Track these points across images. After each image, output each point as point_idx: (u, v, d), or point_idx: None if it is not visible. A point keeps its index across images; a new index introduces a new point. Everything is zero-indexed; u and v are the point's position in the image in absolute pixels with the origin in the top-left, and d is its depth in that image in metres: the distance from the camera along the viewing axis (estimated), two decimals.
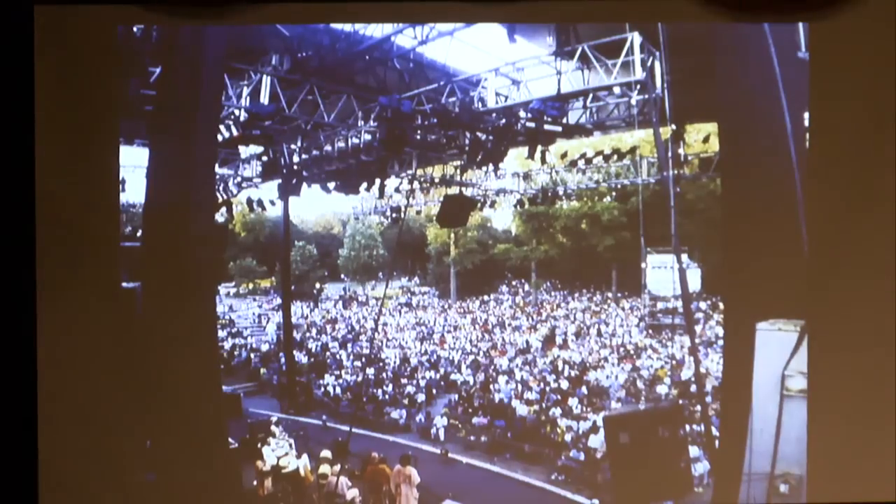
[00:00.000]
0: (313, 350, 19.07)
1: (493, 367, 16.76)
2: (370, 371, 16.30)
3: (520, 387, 14.30)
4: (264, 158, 14.09)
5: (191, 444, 6.60)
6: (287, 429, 10.70)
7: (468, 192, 17.85)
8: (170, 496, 6.45)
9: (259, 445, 9.22)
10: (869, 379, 5.02)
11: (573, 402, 12.84)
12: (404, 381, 15.56)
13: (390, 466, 8.29)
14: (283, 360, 16.36)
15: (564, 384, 14.28)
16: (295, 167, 14.14)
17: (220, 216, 15.33)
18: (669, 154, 11.40)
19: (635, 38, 8.84)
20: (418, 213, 22.57)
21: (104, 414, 5.43)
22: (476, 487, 9.99)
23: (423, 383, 15.27)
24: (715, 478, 7.62)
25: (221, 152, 14.21)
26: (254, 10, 5.41)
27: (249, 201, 15.48)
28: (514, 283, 30.04)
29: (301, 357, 17.64)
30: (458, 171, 17.30)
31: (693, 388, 12.56)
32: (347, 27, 10.36)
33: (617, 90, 9.69)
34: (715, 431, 8.34)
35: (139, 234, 8.22)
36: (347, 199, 20.50)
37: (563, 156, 16.23)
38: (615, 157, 15.58)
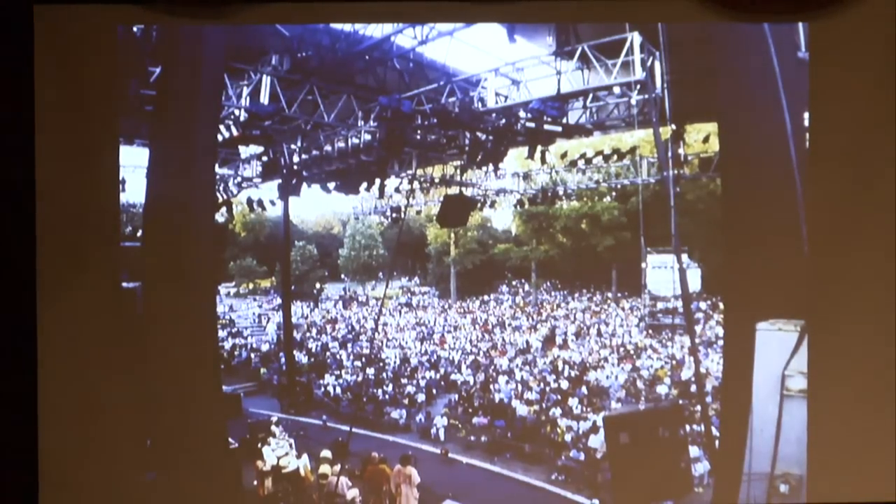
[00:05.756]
0: (313, 350, 19.06)
1: (493, 367, 16.75)
2: (370, 371, 16.29)
3: (520, 387, 14.30)
4: (264, 158, 14.07)
5: (191, 444, 6.60)
6: (287, 429, 10.69)
7: (468, 192, 17.86)
8: (170, 496, 6.45)
9: (259, 445, 9.21)
10: (869, 379, 5.02)
11: (573, 402, 12.83)
12: (404, 381, 15.55)
13: (390, 466, 8.28)
14: (283, 360, 16.36)
15: (564, 384, 14.27)
16: (295, 167, 14.14)
17: (220, 216, 15.34)
18: (669, 154, 11.41)
19: (635, 38, 8.84)
20: (418, 213, 22.59)
21: (104, 414, 5.43)
22: (476, 487, 9.98)
23: (423, 383, 15.26)
24: (715, 478, 7.60)
25: (221, 152, 14.20)
26: (254, 10, 5.41)
27: (249, 201, 15.47)
28: (514, 283, 30.03)
29: (301, 357, 17.63)
30: (458, 171, 17.30)
31: (693, 388, 12.55)
32: (347, 27, 10.36)
33: (617, 90, 9.70)
34: (715, 431, 8.34)
35: (139, 234, 8.21)
36: (347, 199, 20.47)
37: (563, 156, 16.23)
38: (615, 157, 15.58)
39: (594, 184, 20.20)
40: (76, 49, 5.21)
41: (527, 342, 19.57)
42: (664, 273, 20.52)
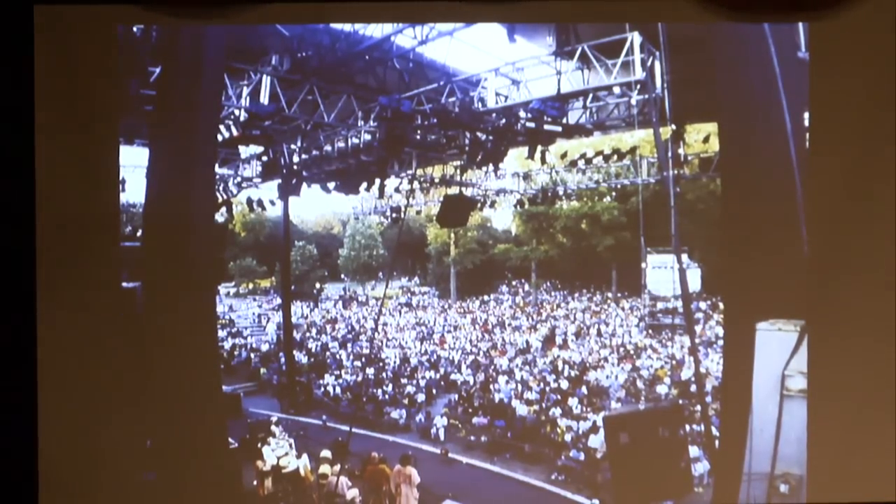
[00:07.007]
0: (313, 350, 19.08)
1: (493, 367, 16.76)
2: (370, 371, 16.30)
3: (520, 387, 14.30)
4: (264, 158, 14.08)
5: (191, 444, 6.60)
6: (287, 429, 10.70)
7: (468, 192, 17.87)
8: (170, 496, 6.45)
9: (259, 445, 9.22)
10: (869, 379, 5.01)
11: (573, 402, 12.84)
12: (404, 381, 15.56)
13: (390, 466, 8.29)
14: (283, 360, 16.37)
15: (564, 384, 14.28)
16: (295, 167, 14.16)
17: (220, 216, 15.36)
18: (669, 154, 11.41)
19: (635, 38, 8.84)
20: (418, 213, 22.60)
21: (104, 413, 5.43)
22: (476, 487, 9.99)
23: (423, 383, 15.27)
24: (715, 478, 7.62)
25: (221, 152, 14.22)
26: (254, 10, 5.40)
27: (249, 201, 15.50)
28: (514, 283, 30.08)
29: (301, 357, 17.65)
30: (458, 171, 17.31)
31: (693, 388, 12.56)
32: (347, 27, 10.36)
33: (617, 90, 9.70)
34: (715, 431, 8.34)
35: (139, 234, 8.22)
36: (347, 199, 20.56)
37: (563, 156, 16.25)
38: (615, 157, 15.60)
39: (594, 184, 20.23)
40: (76, 49, 5.20)
41: (527, 342, 19.58)
42: (664, 273, 20.55)
